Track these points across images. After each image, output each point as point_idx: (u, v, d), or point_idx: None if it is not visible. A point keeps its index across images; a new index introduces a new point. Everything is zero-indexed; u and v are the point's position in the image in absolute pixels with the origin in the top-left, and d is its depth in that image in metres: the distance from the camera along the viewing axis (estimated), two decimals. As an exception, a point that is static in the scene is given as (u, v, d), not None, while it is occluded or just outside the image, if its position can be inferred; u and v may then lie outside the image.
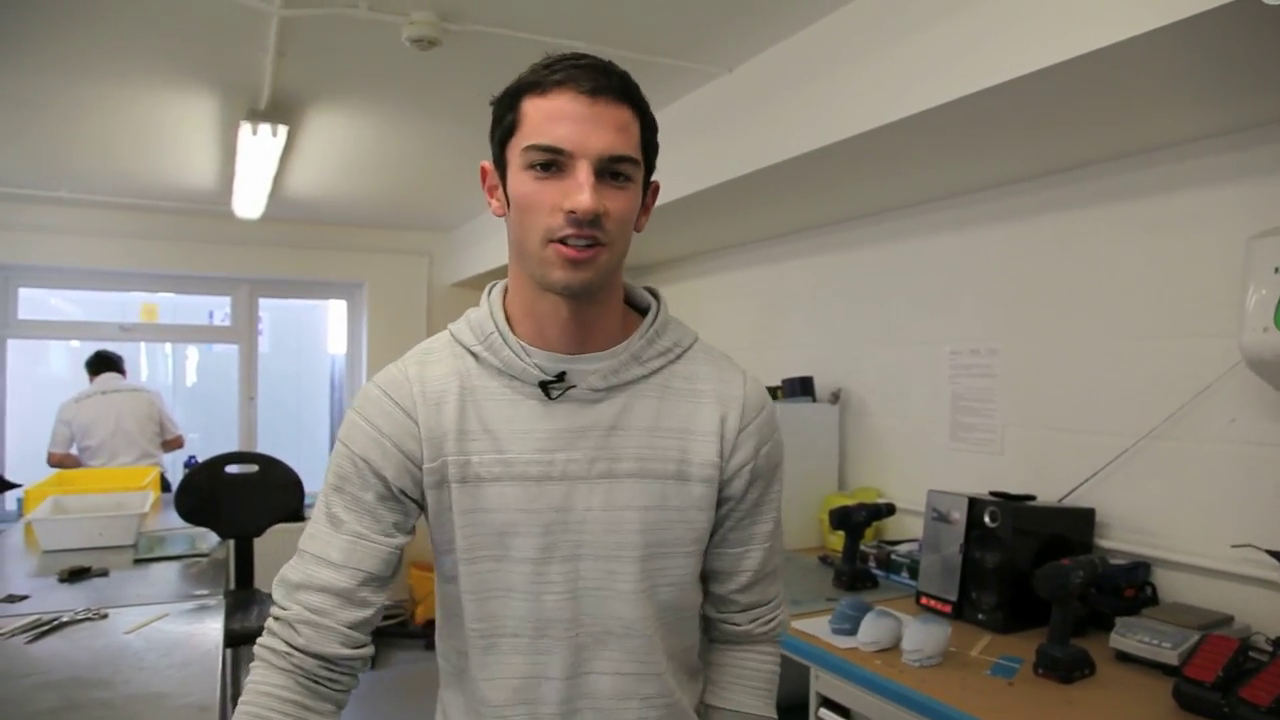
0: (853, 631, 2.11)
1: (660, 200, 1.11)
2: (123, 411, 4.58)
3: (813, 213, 3.16)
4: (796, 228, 3.47)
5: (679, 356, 1.09)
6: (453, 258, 5.46)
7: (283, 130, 3.10)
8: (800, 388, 3.27)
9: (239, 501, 3.32)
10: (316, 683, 0.99)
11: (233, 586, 3.34)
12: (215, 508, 3.27)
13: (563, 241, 0.93)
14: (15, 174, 4.18)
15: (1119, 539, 2.28)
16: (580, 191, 0.91)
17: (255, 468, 3.39)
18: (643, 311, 1.11)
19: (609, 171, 0.94)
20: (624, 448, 1.02)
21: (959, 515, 2.29)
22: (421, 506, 1.04)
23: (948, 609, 2.27)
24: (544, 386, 1.01)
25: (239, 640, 2.83)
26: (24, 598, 2.54)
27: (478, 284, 5.19)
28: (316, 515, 1.03)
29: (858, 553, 2.60)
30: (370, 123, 3.31)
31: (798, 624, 2.21)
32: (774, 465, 1.14)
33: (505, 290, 1.07)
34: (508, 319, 1.04)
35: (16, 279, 5.00)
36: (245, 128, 3.05)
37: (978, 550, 2.23)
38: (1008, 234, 2.63)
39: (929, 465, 2.89)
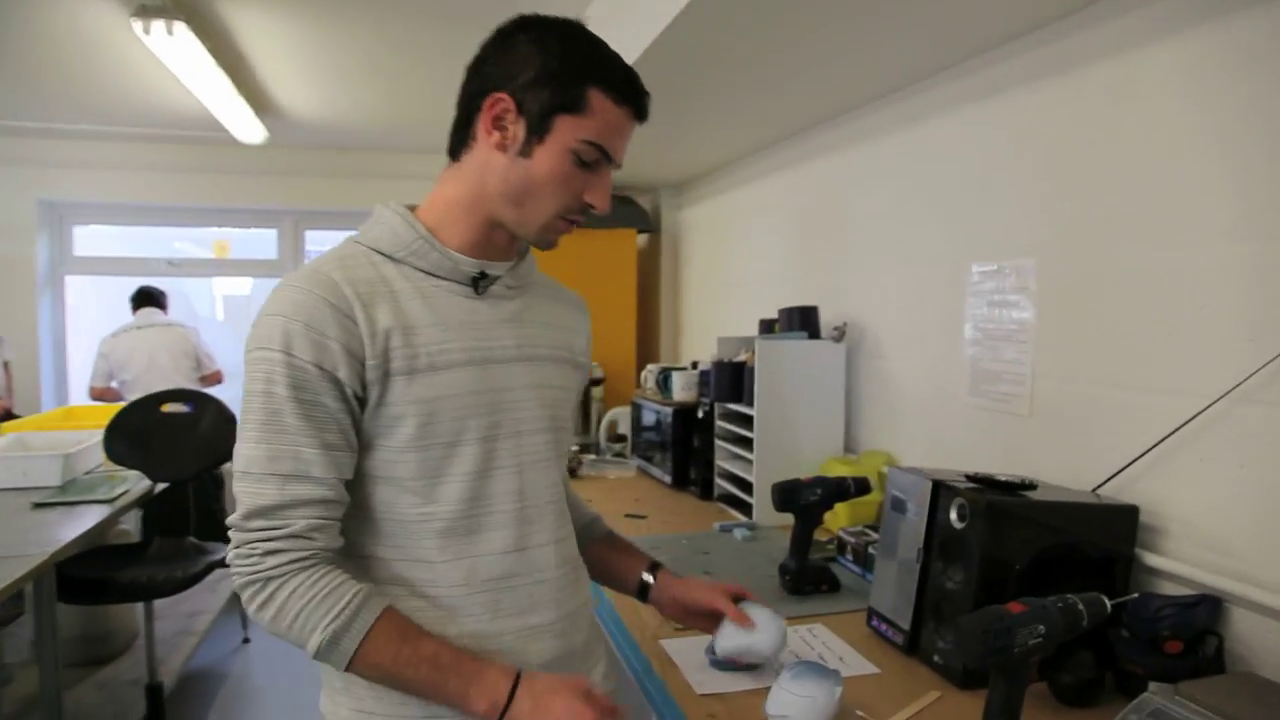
0: (732, 666, 1.46)
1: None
2: (156, 346, 4.48)
3: (825, 87, 2.36)
4: (808, 119, 2.67)
5: (538, 272, 1.24)
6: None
7: (180, 27, 2.69)
8: (800, 319, 2.52)
9: (170, 444, 2.98)
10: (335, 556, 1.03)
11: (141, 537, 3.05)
12: (146, 449, 2.95)
13: (566, 219, 1.10)
14: (55, 109, 4.19)
15: (1179, 555, 1.47)
16: (605, 194, 1.09)
17: (187, 408, 3.03)
18: None
19: None
20: (538, 335, 1.17)
21: (918, 506, 1.54)
22: (363, 405, 1.03)
23: (900, 638, 1.55)
24: (474, 283, 1.11)
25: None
26: None
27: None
28: (267, 435, 0.98)
29: (810, 544, 1.88)
30: (312, 22, 2.89)
31: (669, 642, 1.57)
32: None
33: (411, 208, 1.12)
34: (430, 232, 1.10)
35: (71, 216, 5.07)
36: (137, 26, 2.68)
37: (940, 560, 1.49)
38: (1045, 95, 1.78)
39: (944, 428, 2.11)
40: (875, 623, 1.63)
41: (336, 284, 1.02)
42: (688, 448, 2.87)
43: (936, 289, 2.13)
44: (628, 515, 2.56)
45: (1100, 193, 1.64)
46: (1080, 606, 1.13)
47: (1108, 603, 1.17)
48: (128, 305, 4.66)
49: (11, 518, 2.57)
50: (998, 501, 1.40)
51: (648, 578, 1.35)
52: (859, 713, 1.32)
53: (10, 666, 2.74)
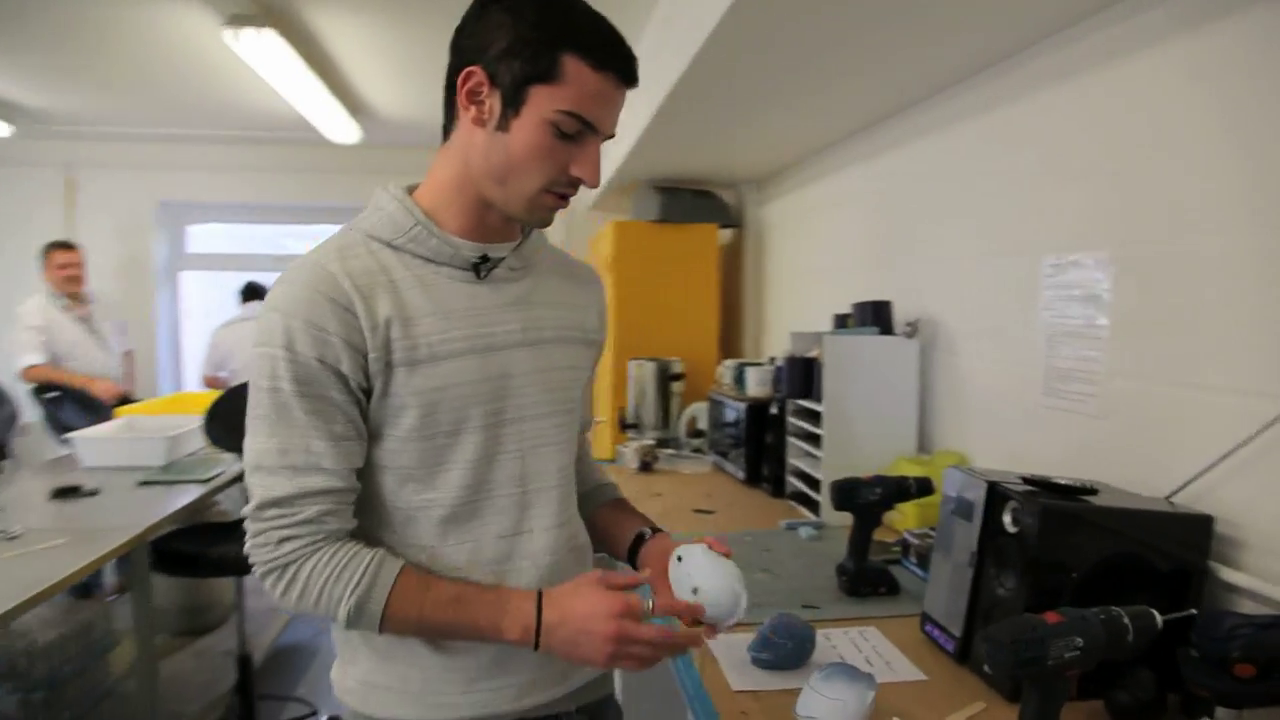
0: (776, 664, 1.44)
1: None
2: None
3: (899, 75, 2.28)
4: (883, 108, 2.59)
5: (548, 247, 1.23)
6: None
7: (269, 33, 2.82)
8: (872, 315, 2.45)
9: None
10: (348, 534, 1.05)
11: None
12: (242, 433, 3.10)
13: (554, 193, 1.04)
14: (167, 116, 4.52)
15: (1260, 571, 1.36)
16: (593, 165, 1.04)
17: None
18: None
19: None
20: (544, 317, 1.14)
21: (973, 509, 1.48)
22: (369, 396, 1.04)
23: (952, 645, 1.49)
24: (476, 268, 1.09)
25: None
26: (-5, 512, 2.49)
27: (614, 205, 4.77)
28: (277, 430, 0.99)
29: (869, 544, 1.83)
30: (397, 23, 2.98)
31: (713, 640, 1.55)
32: (605, 339, 1.31)
33: (409, 192, 1.11)
34: (428, 216, 1.08)
35: (185, 216, 5.39)
36: (227, 34, 2.82)
37: (993, 566, 1.43)
38: (1118, 76, 1.68)
39: (1017, 428, 2.02)
40: (929, 628, 1.58)
41: (335, 277, 1.01)
42: (760, 444, 2.83)
43: (1010, 283, 2.04)
44: (695, 510, 2.55)
45: (1177, 178, 1.53)
46: (1125, 620, 1.07)
47: (1158, 618, 1.10)
48: (236, 298, 4.92)
49: (118, 494, 2.76)
50: (1052, 506, 1.32)
51: (645, 534, 1.24)
52: (896, 719, 1.28)
53: (117, 633, 2.93)
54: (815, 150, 3.35)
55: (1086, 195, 1.78)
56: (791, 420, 2.61)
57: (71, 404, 4.03)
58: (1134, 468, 1.62)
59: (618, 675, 1.34)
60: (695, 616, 1.05)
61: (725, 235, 4.46)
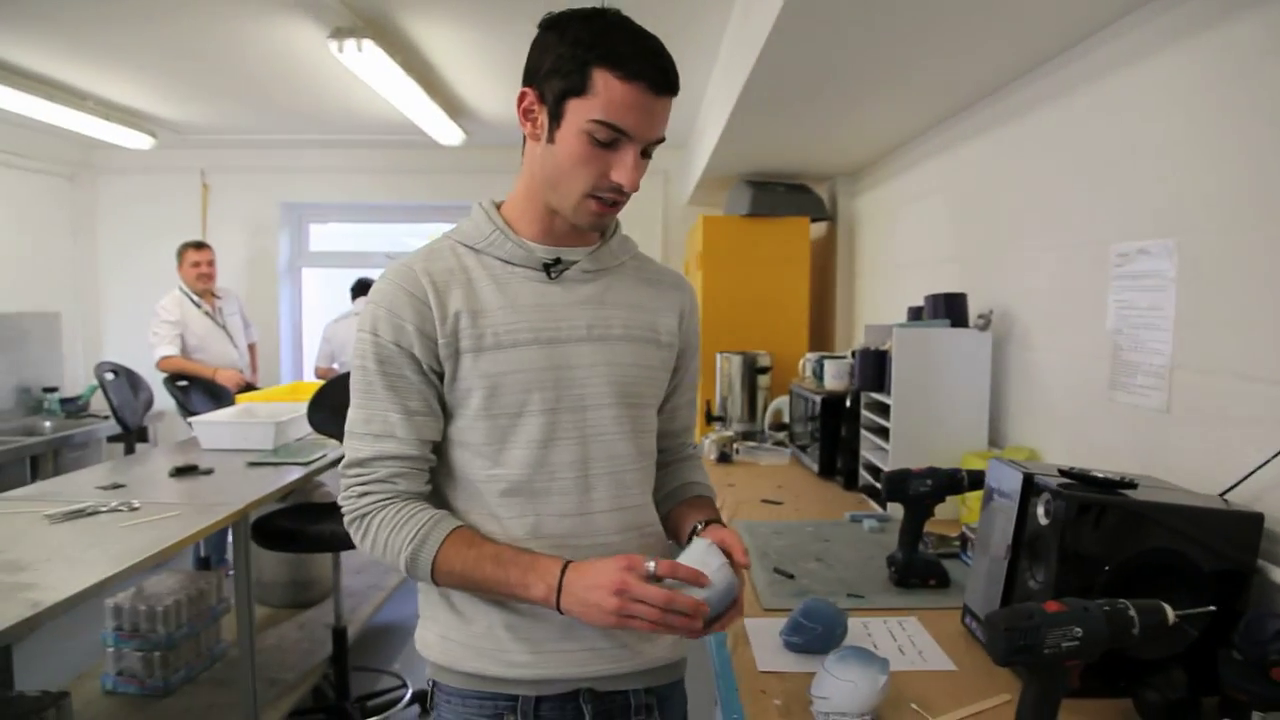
0: (805, 647, 1.46)
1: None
2: None
3: (977, 59, 2.23)
4: (964, 96, 2.53)
5: (634, 254, 1.31)
6: (686, 174, 5.06)
7: (369, 45, 2.99)
8: (945, 307, 2.41)
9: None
10: (418, 495, 1.18)
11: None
12: (342, 420, 3.30)
13: (598, 198, 1.13)
14: (287, 122, 4.85)
15: (1315, 571, 1.30)
16: (630, 171, 1.10)
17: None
18: None
19: (644, 150, 1.12)
20: (613, 317, 1.22)
21: (1010, 502, 1.46)
22: (442, 379, 1.16)
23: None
24: (547, 269, 1.19)
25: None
26: (120, 486, 2.75)
27: (710, 200, 4.81)
28: (364, 402, 1.15)
29: (919, 536, 1.82)
30: (489, 29, 3.13)
31: (752, 621, 1.58)
32: (696, 344, 1.38)
33: (496, 204, 1.23)
34: (506, 223, 1.20)
35: (307, 216, 5.72)
36: (332, 46, 3.00)
37: (1027, 559, 1.40)
38: (1190, 56, 1.61)
39: (1085, 422, 1.96)
40: (968, 620, 1.56)
41: (416, 274, 1.15)
42: (835, 437, 2.82)
43: (1081, 274, 1.97)
44: (764, 501, 2.57)
45: (1244, 160, 1.46)
46: (1131, 613, 1.04)
47: (1170, 613, 1.07)
48: (348, 295, 5.21)
49: (230, 474, 2.99)
50: (1083, 499, 1.30)
51: (699, 528, 1.25)
52: (914, 706, 1.28)
53: (229, 602, 3.17)
54: (901, 142, 3.29)
55: (1156, 182, 1.72)
56: (864, 413, 2.60)
57: (199, 392, 4.37)
58: (1197, 463, 1.55)
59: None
60: (696, 582, 1.07)
61: (818, 229, 4.43)
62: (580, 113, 1.08)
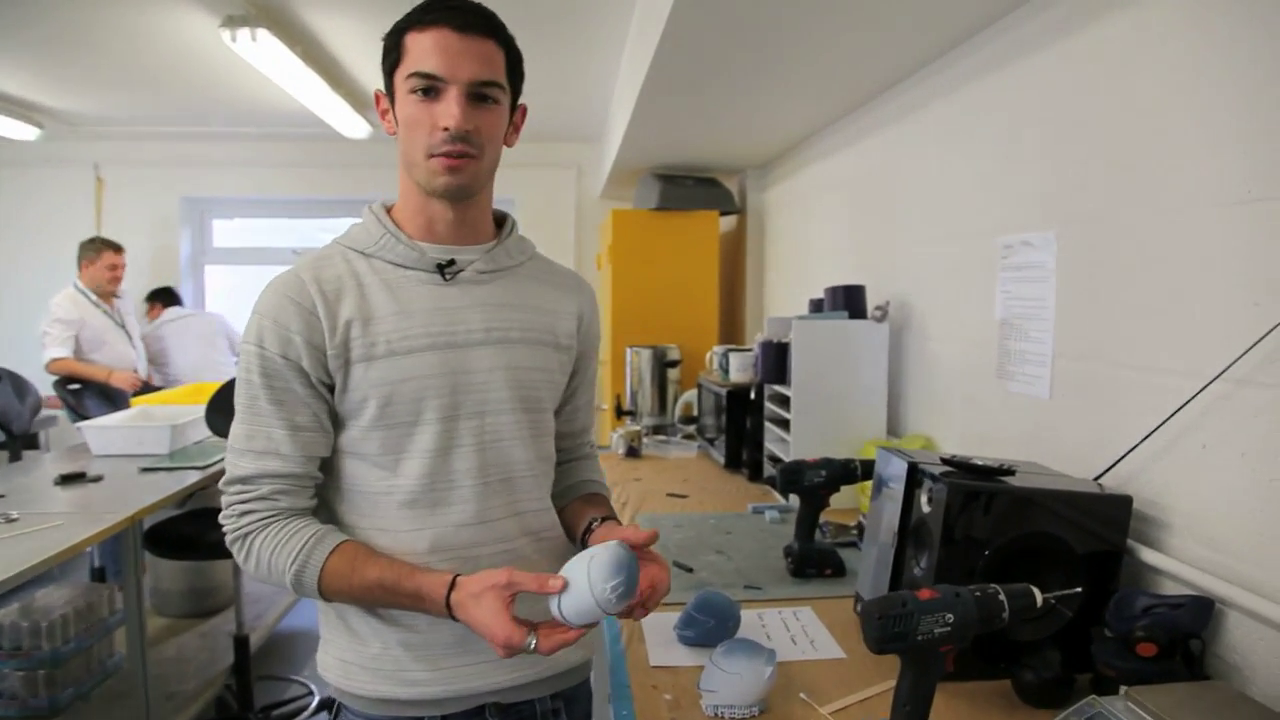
0: (698, 640, 1.46)
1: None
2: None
3: (874, 54, 2.27)
4: (864, 90, 2.57)
5: (533, 255, 1.29)
6: (598, 168, 5.04)
7: (264, 34, 2.88)
8: (845, 299, 2.45)
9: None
10: (302, 512, 1.13)
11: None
12: (242, 421, 3.19)
13: (442, 155, 1.10)
14: (187, 113, 4.64)
15: (1179, 552, 1.35)
16: (451, 111, 1.08)
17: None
18: (499, 223, 1.27)
19: (477, 95, 1.10)
20: (511, 319, 1.20)
21: (897, 490, 1.48)
22: (332, 391, 1.13)
23: (878, 628, 1.49)
24: (441, 270, 1.16)
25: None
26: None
27: (621, 194, 4.80)
28: (247, 417, 1.11)
29: (814, 526, 1.84)
30: (389, 21, 3.04)
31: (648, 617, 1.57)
32: (596, 346, 1.37)
33: (386, 208, 1.20)
34: (396, 225, 1.17)
35: (210, 212, 5.53)
36: (224, 35, 2.89)
37: (912, 546, 1.43)
38: (1061, 56, 1.66)
39: (977, 410, 2.01)
40: (859, 608, 1.59)
41: (303, 283, 1.11)
42: (740, 429, 2.84)
43: (971, 265, 2.02)
44: (669, 494, 2.57)
45: (1115, 157, 1.51)
46: (1001, 597, 1.07)
47: (1038, 595, 1.09)
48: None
49: (121, 480, 2.85)
50: (961, 485, 1.32)
51: (594, 524, 1.24)
52: (802, 695, 1.29)
53: (121, 613, 3.04)
54: (806, 135, 3.34)
55: (1036, 176, 1.77)
56: (768, 405, 2.62)
57: (93, 395, 4.17)
58: (1078, 449, 1.61)
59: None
60: (570, 641, 1.03)
61: (727, 222, 4.46)
62: (400, 79, 1.10)
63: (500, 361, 1.18)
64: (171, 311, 4.89)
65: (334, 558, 1.08)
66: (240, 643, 2.96)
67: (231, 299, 5.62)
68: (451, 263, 1.17)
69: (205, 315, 5.04)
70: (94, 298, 4.31)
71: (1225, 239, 1.26)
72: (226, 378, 4.63)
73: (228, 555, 2.83)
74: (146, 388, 4.36)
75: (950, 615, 1.04)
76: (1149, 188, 1.42)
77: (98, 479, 2.84)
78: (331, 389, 1.13)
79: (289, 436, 1.10)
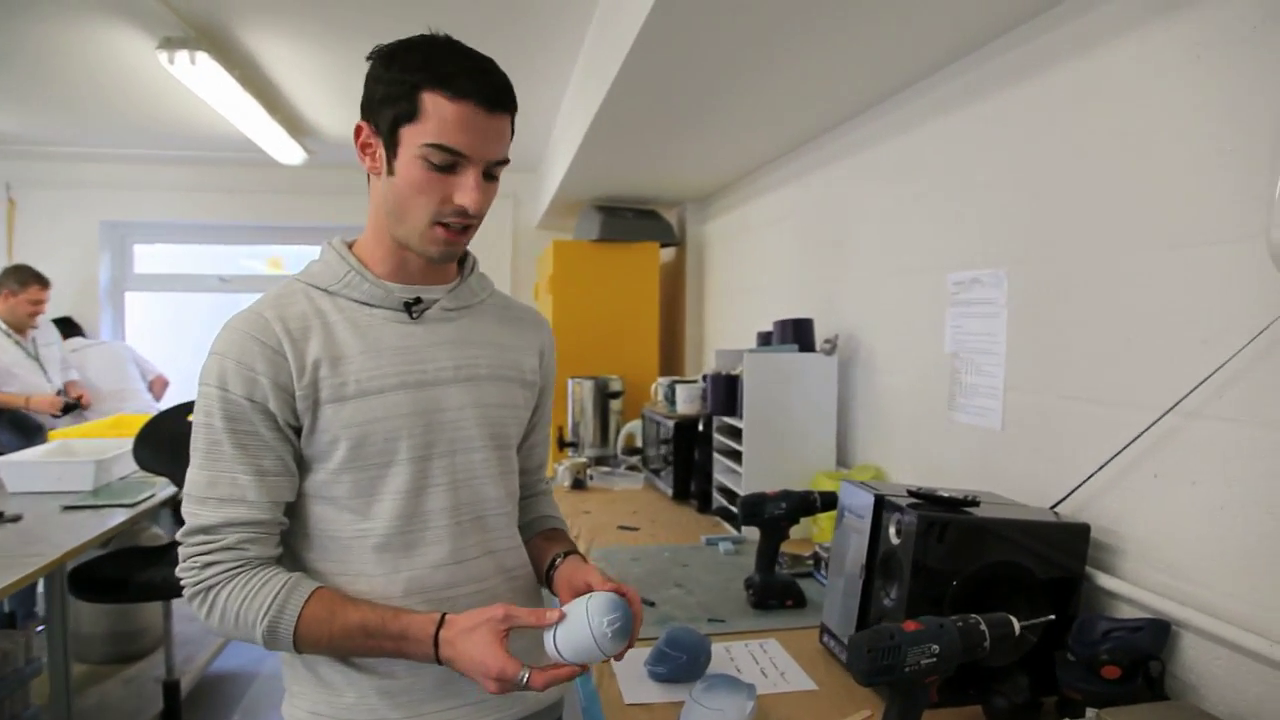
0: (670, 676, 1.45)
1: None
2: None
3: (823, 94, 2.34)
4: (811, 128, 2.64)
5: (492, 292, 1.29)
6: (537, 198, 5.04)
7: (202, 57, 2.82)
8: (794, 332, 2.49)
9: (195, 450, 3.10)
10: (269, 561, 1.09)
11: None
12: (173, 457, 3.06)
13: (445, 225, 1.09)
14: (110, 135, 4.47)
15: (1134, 577, 1.41)
16: (472, 192, 1.07)
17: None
18: (459, 260, 1.25)
19: (489, 173, 1.10)
20: (479, 356, 1.19)
21: (863, 522, 1.51)
22: (299, 434, 1.09)
23: (845, 655, 1.52)
24: (408, 309, 1.15)
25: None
26: (-96, 541, 2.43)
27: (560, 225, 4.81)
28: (208, 463, 1.06)
29: (775, 558, 1.86)
30: (330, 47, 3.01)
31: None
32: (552, 382, 1.37)
33: (348, 243, 1.18)
34: (361, 263, 1.15)
35: (131, 236, 5.33)
36: (161, 57, 2.82)
37: (881, 577, 1.46)
38: (1015, 99, 1.74)
39: (928, 441, 2.06)
40: (825, 639, 1.61)
41: (268, 322, 1.08)
42: (689, 461, 2.86)
43: (921, 301, 2.09)
44: (620, 527, 2.57)
45: (1065, 199, 1.59)
46: (982, 627, 1.10)
47: (1016, 624, 1.13)
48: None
49: (42, 520, 2.70)
50: (930, 517, 1.36)
51: (558, 560, 1.25)
52: (781, 729, 1.30)
53: (40, 660, 2.87)
54: (747, 171, 3.40)
55: (987, 214, 1.84)
56: (717, 437, 2.64)
57: (6, 428, 3.95)
58: (1030, 479, 1.66)
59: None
60: (570, 679, 1.04)
61: (667, 254, 4.51)
62: (414, 139, 1.05)
63: (470, 399, 1.17)
64: (75, 342, 4.70)
65: (311, 605, 1.05)
66: (170, 688, 2.83)
67: (154, 328, 5.41)
68: (418, 301, 1.16)
69: (110, 344, 4.86)
70: (4, 327, 4.11)
71: (1175, 279, 1.33)
72: (145, 407, 4.47)
73: (159, 596, 2.74)
74: (77, 403, 4.16)
75: (936, 646, 1.07)
76: (1099, 229, 1.49)
77: (16, 519, 2.68)
78: (298, 431, 1.09)
79: (255, 482, 1.05)
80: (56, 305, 4.70)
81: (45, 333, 4.32)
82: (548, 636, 1.03)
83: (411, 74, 1.05)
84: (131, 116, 4.05)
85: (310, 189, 5.07)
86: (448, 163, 1.05)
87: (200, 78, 3.03)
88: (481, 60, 1.08)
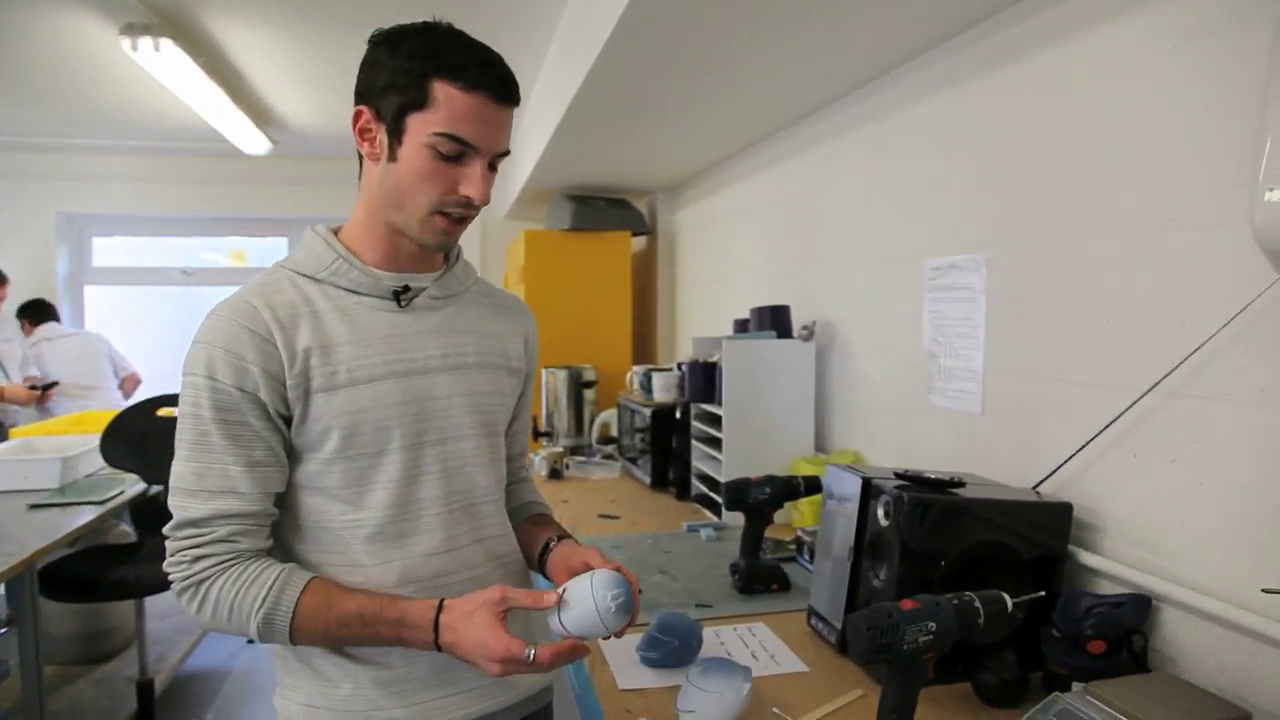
0: (663, 661, 1.46)
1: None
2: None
3: (796, 82, 2.35)
4: (785, 116, 2.66)
5: (477, 280, 1.29)
6: (506, 187, 4.99)
7: (166, 43, 2.76)
8: (770, 319, 2.51)
9: (165, 446, 3.04)
10: (261, 553, 1.08)
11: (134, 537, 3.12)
12: (141, 452, 3.01)
13: (445, 214, 1.08)
14: (68, 125, 4.38)
15: (1115, 554, 1.44)
16: (478, 183, 1.07)
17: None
18: None
19: (491, 163, 1.10)
20: (466, 344, 1.19)
21: (850, 504, 1.53)
22: (289, 423, 1.08)
23: (834, 637, 1.54)
24: (396, 297, 1.14)
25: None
26: None
27: (529, 214, 4.79)
28: (197, 455, 1.03)
29: (760, 543, 1.88)
30: (298, 35, 2.96)
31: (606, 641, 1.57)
32: (535, 369, 1.37)
33: (334, 230, 1.17)
34: (350, 251, 1.14)
35: (90, 229, 5.21)
36: (125, 44, 2.76)
37: (869, 558, 1.48)
38: (991, 86, 1.77)
39: (908, 426, 2.09)
40: (814, 622, 1.63)
41: (256, 310, 1.06)
42: (666, 448, 2.87)
43: (899, 287, 2.11)
44: (601, 515, 2.57)
45: (1042, 184, 1.62)
46: (977, 604, 1.12)
47: (1009, 601, 1.15)
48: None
49: (8, 519, 2.65)
50: (919, 498, 1.38)
51: (551, 544, 1.26)
52: (775, 710, 1.31)
53: (7, 665, 2.81)
54: (721, 159, 3.41)
55: (964, 200, 1.86)
56: (695, 424, 2.66)
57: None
58: (1010, 461, 1.69)
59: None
60: (574, 657, 1.05)
61: (638, 243, 4.51)
62: (422, 127, 1.04)
63: (459, 387, 1.17)
64: (48, 328, 4.56)
65: (306, 595, 1.04)
66: (144, 688, 2.79)
67: (113, 322, 5.29)
68: (406, 289, 1.15)
69: (86, 335, 4.73)
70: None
71: (1153, 263, 1.36)
72: (112, 404, 4.38)
73: (130, 595, 2.70)
74: (48, 386, 4.08)
75: (933, 624, 1.09)
76: (1077, 213, 1.52)
77: (-20, 518, 2.62)
78: (288, 421, 1.08)
79: (246, 473, 1.04)
80: (12, 301, 4.59)
81: (3, 329, 4.22)
82: (552, 615, 1.04)
83: (420, 61, 1.03)
84: (92, 105, 3.96)
85: (275, 179, 4.98)
86: (456, 153, 1.05)
87: (164, 65, 2.97)
88: (488, 51, 1.08)
